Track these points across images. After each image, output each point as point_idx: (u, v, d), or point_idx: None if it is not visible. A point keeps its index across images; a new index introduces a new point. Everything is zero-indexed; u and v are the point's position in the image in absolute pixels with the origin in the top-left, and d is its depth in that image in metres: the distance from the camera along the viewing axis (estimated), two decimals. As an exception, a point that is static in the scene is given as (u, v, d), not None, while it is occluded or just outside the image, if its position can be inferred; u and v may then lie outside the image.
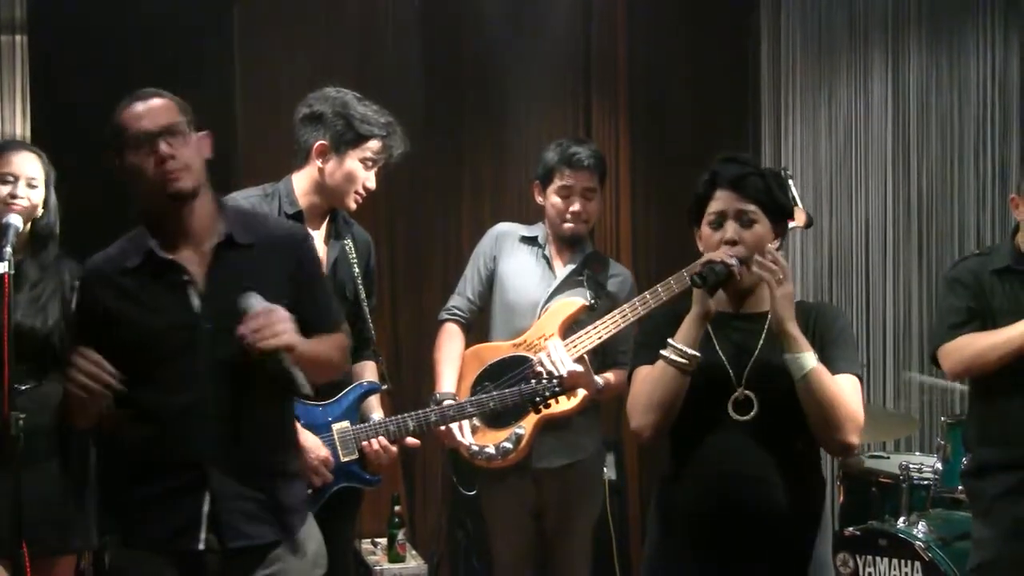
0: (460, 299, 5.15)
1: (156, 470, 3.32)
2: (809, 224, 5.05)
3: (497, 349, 5.03)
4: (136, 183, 3.31)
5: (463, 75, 6.91)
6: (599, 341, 4.89)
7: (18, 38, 5.93)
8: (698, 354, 3.25)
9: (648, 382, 3.30)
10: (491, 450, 4.91)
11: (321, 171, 4.26)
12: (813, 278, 7.09)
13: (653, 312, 3.98)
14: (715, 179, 3.37)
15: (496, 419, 4.86)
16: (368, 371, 4.50)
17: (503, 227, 5.24)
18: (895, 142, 6.87)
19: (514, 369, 4.94)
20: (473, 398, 4.65)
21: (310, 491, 4.12)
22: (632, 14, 7.16)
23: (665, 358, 3.26)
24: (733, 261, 3.26)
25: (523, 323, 5.00)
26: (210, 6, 6.35)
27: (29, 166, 4.33)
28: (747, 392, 3.30)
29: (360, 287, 4.40)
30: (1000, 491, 4.39)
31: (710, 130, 7.05)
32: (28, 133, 5.72)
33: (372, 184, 4.32)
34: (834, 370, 3.32)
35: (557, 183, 4.99)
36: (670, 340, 3.27)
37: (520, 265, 5.10)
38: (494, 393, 4.64)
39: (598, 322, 4.88)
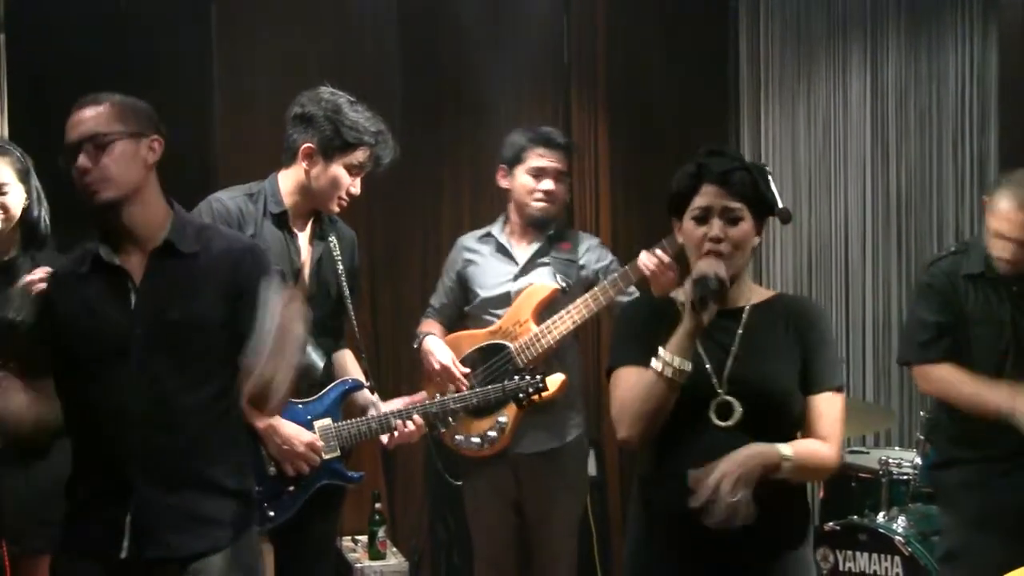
0: (430, 309, 5.30)
1: (88, 474, 3.35)
2: (787, 219, 5.05)
3: (474, 337, 5.11)
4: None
5: (441, 72, 6.89)
6: (573, 326, 4.92)
7: (-4, 37, 5.92)
8: (689, 368, 3.21)
9: (638, 391, 3.26)
10: (476, 439, 4.95)
11: (307, 173, 4.25)
12: (792, 273, 7.11)
13: (628, 305, 3.95)
14: (701, 173, 3.32)
15: (478, 409, 4.87)
16: (349, 361, 4.52)
17: (461, 239, 5.34)
18: (874, 137, 6.88)
19: (492, 356, 5.02)
20: (456, 394, 4.65)
21: (291, 488, 4.12)
22: (611, 9, 7.15)
23: (656, 370, 3.22)
24: (723, 273, 3.22)
25: (497, 314, 5.10)
26: (188, 5, 6.33)
27: None
28: (728, 398, 3.28)
29: (344, 284, 4.40)
30: (965, 481, 4.43)
31: (689, 125, 7.06)
32: (6, 132, 5.70)
33: (356, 190, 4.31)
34: (818, 387, 3.35)
35: (528, 163, 5.05)
36: (661, 351, 3.22)
37: (482, 264, 5.19)
38: (477, 389, 4.70)
39: (571, 306, 4.92)
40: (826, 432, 3.35)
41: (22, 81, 5.83)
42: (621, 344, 3.43)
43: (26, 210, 4.31)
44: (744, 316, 3.36)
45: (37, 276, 3.48)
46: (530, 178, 5.05)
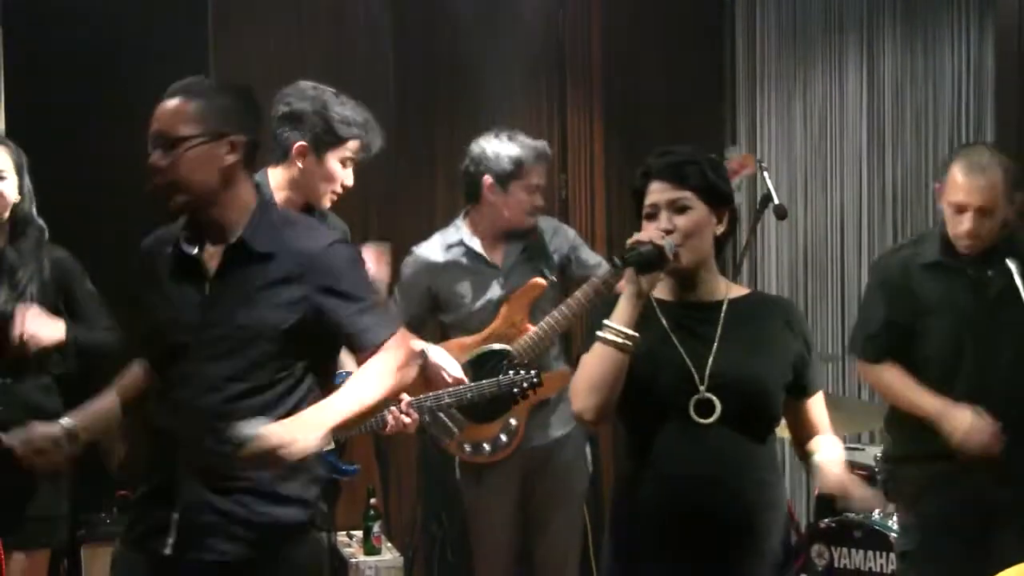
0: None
1: (148, 468, 3.33)
2: (783, 215, 5.06)
3: (465, 345, 5.02)
4: None
5: (435, 68, 6.91)
6: (573, 317, 4.93)
7: (-8, 30, 5.91)
8: (636, 334, 3.21)
9: (588, 364, 3.27)
10: (487, 446, 4.94)
11: (301, 171, 4.23)
12: (788, 269, 7.12)
13: (601, 303, 3.97)
14: (648, 171, 3.37)
15: (483, 414, 4.87)
16: (343, 355, 4.51)
17: (421, 251, 5.16)
18: (870, 134, 6.88)
19: (492, 361, 4.97)
20: (451, 389, 4.65)
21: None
22: (606, 7, 7.17)
23: (602, 338, 3.23)
24: (663, 242, 3.22)
25: (485, 323, 5.04)
26: (184, 2, 6.33)
27: None
28: (709, 395, 3.27)
29: None
30: (925, 482, 4.41)
31: (685, 123, 7.06)
32: (2, 128, 5.70)
33: (349, 181, 4.30)
34: (813, 388, 3.43)
35: (528, 180, 5.00)
36: (606, 321, 3.24)
37: (459, 275, 5.09)
38: (472, 384, 4.67)
39: (569, 300, 4.91)
40: (827, 428, 3.46)
41: (18, 76, 5.84)
42: (587, 336, 3.42)
43: (18, 204, 4.32)
44: (723, 311, 3.37)
45: None
46: (526, 195, 5.03)
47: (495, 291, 5.06)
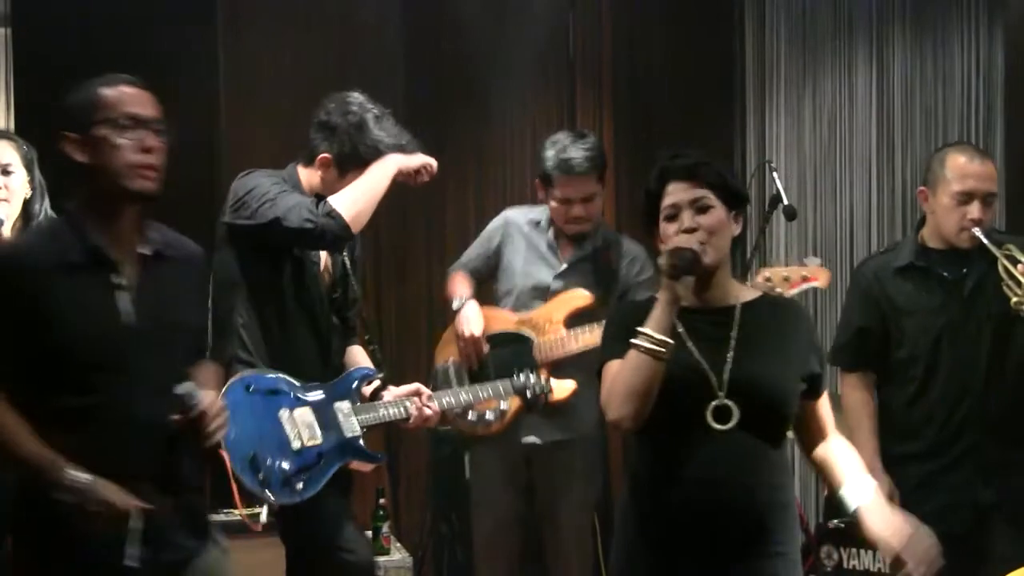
0: (460, 264, 5.27)
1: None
2: (793, 216, 5.05)
3: (504, 320, 5.08)
4: (99, 169, 3.16)
5: (445, 68, 6.89)
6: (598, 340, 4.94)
7: (1, 31, 5.92)
8: (671, 341, 3.19)
9: (623, 372, 3.24)
10: (472, 416, 4.94)
11: (321, 179, 4.25)
12: (797, 270, 7.10)
13: (616, 307, 3.97)
14: (665, 173, 3.34)
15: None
16: (359, 354, 4.55)
17: (511, 214, 5.27)
18: (879, 135, 6.88)
19: (514, 343, 5.01)
20: (468, 387, 4.70)
21: (318, 464, 4.15)
22: (616, 6, 7.16)
23: (637, 346, 3.20)
24: (696, 246, 3.22)
25: (527, 305, 5.08)
26: (194, 3, 6.33)
27: (2, 152, 4.33)
28: (727, 401, 3.26)
29: (352, 277, 4.45)
30: (913, 484, 4.40)
31: (695, 122, 7.05)
32: (11, 125, 5.71)
33: None
34: (823, 390, 3.44)
35: (556, 190, 4.98)
36: (640, 328, 3.21)
37: (526, 251, 5.14)
38: (487, 384, 4.72)
39: (593, 327, 4.84)
40: (833, 428, 3.49)
41: (27, 75, 5.84)
42: (608, 342, 3.41)
43: (28, 201, 4.34)
44: (737, 315, 3.35)
45: None
46: (559, 205, 5.02)
47: (548, 281, 5.07)
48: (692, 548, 3.25)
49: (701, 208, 3.29)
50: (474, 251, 5.27)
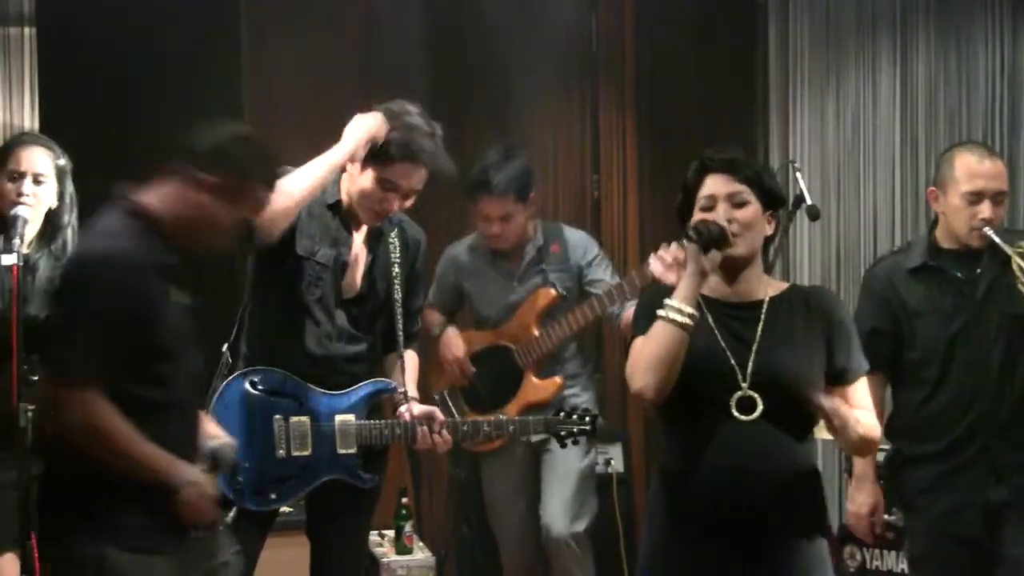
0: (430, 302, 5.31)
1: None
2: (816, 216, 5.05)
3: (483, 337, 5.33)
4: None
5: (467, 70, 6.89)
6: (571, 331, 5.15)
7: (26, 30, 5.94)
8: (696, 312, 3.24)
9: (648, 343, 3.28)
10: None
11: (347, 173, 4.26)
12: (820, 269, 7.09)
13: (646, 290, 4.00)
14: (705, 165, 3.38)
15: (482, 404, 5.20)
16: (394, 366, 4.47)
17: (451, 251, 5.43)
18: (903, 134, 6.86)
19: (495, 356, 5.25)
20: (492, 418, 4.66)
21: (297, 476, 4.20)
22: (639, 3, 7.16)
23: (663, 317, 3.24)
24: (726, 224, 3.27)
25: (499, 322, 5.30)
26: (217, 4, 6.34)
27: (37, 161, 4.34)
28: (751, 392, 3.29)
29: (396, 286, 4.38)
30: (925, 486, 4.38)
31: (717, 121, 7.04)
32: (36, 126, 5.72)
33: (391, 208, 4.27)
34: (854, 375, 3.41)
35: (477, 208, 5.08)
36: (667, 300, 3.26)
37: (479, 277, 5.33)
38: (516, 418, 4.74)
39: (568, 315, 5.09)
40: (870, 414, 3.44)
41: (51, 75, 5.86)
42: (638, 321, 3.44)
43: (54, 212, 4.34)
44: (764, 309, 3.39)
45: None
46: (481, 222, 5.20)
47: (511, 293, 5.24)
48: (719, 536, 3.28)
49: (738, 203, 3.33)
50: (437, 292, 5.40)
